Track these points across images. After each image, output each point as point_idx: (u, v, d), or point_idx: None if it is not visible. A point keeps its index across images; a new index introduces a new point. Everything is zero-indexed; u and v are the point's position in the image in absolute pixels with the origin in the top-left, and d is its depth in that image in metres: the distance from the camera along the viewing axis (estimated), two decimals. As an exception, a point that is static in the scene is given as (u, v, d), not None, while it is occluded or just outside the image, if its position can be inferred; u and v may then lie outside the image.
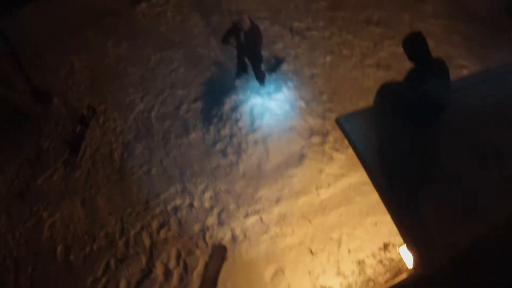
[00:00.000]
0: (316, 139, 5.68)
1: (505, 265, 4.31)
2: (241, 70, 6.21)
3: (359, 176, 5.28)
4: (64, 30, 7.83)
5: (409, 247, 4.79)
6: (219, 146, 5.71)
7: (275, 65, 6.44)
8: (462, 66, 6.84)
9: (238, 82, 6.28)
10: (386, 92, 5.34)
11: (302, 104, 5.96)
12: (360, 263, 4.92)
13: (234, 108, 5.90)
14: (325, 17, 7.39)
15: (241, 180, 5.44)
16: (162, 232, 5.19)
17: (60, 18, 8.10)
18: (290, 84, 6.25)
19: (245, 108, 5.85)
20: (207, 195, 5.39)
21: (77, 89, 6.85)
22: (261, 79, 6.15)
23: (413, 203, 4.81)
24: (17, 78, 6.45)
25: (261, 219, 5.18)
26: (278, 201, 5.26)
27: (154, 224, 5.27)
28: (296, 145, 5.62)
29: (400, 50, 5.03)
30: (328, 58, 6.69)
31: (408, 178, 4.97)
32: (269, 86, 6.15)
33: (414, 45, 5.19)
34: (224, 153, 5.64)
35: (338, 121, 5.33)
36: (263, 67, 6.11)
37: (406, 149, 5.29)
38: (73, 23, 7.94)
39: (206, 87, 6.36)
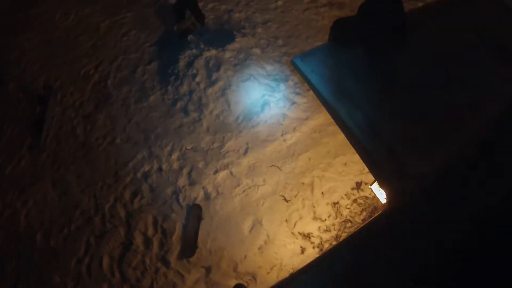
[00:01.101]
0: (276, 85, 5.47)
1: (475, 191, 4.23)
2: (179, 16, 5.98)
3: (324, 117, 5.17)
4: (6, 10, 7.39)
5: (380, 183, 4.70)
6: (179, 105, 5.47)
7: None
8: None
9: (190, 37, 5.98)
10: (340, 27, 5.18)
11: (257, 51, 5.72)
12: (335, 204, 4.83)
13: (189, 64, 5.64)
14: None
15: (206, 136, 5.23)
16: (136, 201, 5.00)
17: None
18: (243, 31, 5.99)
19: (200, 62, 5.58)
20: (174, 156, 5.19)
21: (31, 70, 6.50)
22: (201, 19, 6.00)
23: (378, 135, 4.68)
24: None
25: (231, 173, 5.02)
26: (245, 152, 5.09)
27: (127, 194, 5.06)
28: (256, 93, 5.42)
29: None
30: (279, 2, 6.42)
31: (371, 110, 4.83)
32: (222, 37, 5.84)
33: None
34: (185, 111, 5.41)
35: (293, 62, 5.13)
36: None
37: (365, 79, 5.13)
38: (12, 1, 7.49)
39: (159, 46, 6.08)
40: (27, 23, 7.13)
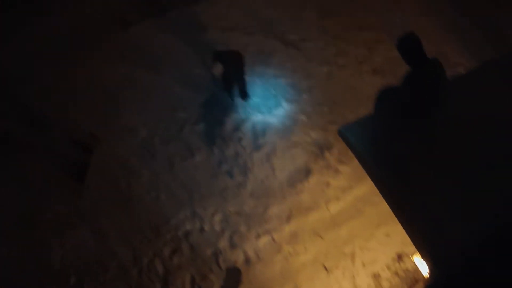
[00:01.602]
0: (320, 153, 5.54)
1: None
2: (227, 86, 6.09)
3: (367, 187, 5.15)
4: (56, 54, 7.64)
5: (423, 255, 4.65)
6: (225, 167, 5.55)
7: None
8: (457, 64, 6.71)
9: (237, 101, 6.08)
10: (385, 96, 5.22)
11: (303, 117, 5.81)
12: (376, 276, 4.82)
13: (236, 127, 5.74)
14: (317, 26, 7.21)
15: (250, 200, 5.29)
16: (175, 258, 5.04)
17: (50, 42, 7.90)
18: (289, 98, 6.09)
19: (247, 126, 5.69)
20: (217, 218, 5.25)
21: (79, 116, 6.63)
22: (244, 96, 6.07)
23: (423, 208, 4.65)
24: (15, 106, 6.26)
25: (273, 238, 5.05)
26: (288, 219, 5.13)
27: (166, 251, 5.11)
28: (301, 160, 5.48)
29: (394, 53, 4.91)
30: (324, 69, 6.51)
31: (416, 183, 4.80)
32: (269, 102, 5.97)
33: (409, 48, 5.08)
34: (230, 174, 5.49)
35: (340, 133, 5.19)
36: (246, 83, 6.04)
37: (411, 152, 5.13)
38: (65, 46, 7.74)
39: (206, 107, 6.19)
40: (77, 68, 7.27)
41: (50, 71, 7.30)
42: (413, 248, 4.57)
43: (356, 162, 5.21)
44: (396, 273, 4.91)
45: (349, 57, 6.67)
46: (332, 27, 7.19)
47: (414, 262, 4.85)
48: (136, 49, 7.37)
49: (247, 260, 4.93)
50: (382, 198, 4.95)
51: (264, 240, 5.03)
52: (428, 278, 4.50)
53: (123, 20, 8.04)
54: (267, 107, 5.91)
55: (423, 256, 4.63)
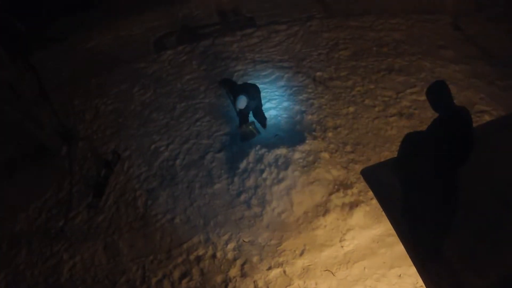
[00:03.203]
0: (340, 191, 5.58)
1: None
2: (243, 119, 6.29)
3: (383, 228, 5.20)
4: (90, 74, 8.00)
5: None
6: (243, 197, 5.63)
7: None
8: (484, 112, 6.77)
9: (262, 133, 6.30)
10: (410, 142, 5.32)
11: (326, 155, 5.87)
12: None
13: (259, 159, 5.81)
14: (347, 66, 7.39)
15: (265, 231, 5.34)
16: (184, 282, 5.11)
17: (84, 62, 8.30)
18: (313, 134, 6.19)
19: (269, 159, 5.75)
20: (231, 246, 5.30)
21: (102, 134, 6.90)
22: (263, 122, 6.37)
23: (438, 254, 4.74)
24: (45, 118, 6.42)
25: (284, 271, 5.06)
26: (301, 253, 5.15)
27: (176, 273, 5.19)
28: (320, 197, 5.52)
29: (422, 98, 5.05)
30: (351, 108, 6.63)
31: (433, 229, 4.91)
32: (294, 137, 6.10)
33: (438, 94, 5.21)
34: (248, 204, 5.56)
35: (363, 173, 5.31)
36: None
37: (431, 199, 5.24)
38: (99, 67, 8.11)
39: (231, 137, 6.35)
40: (103, 89, 7.70)
41: (82, 92, 7.68)
42: (424, 289, 4.59)
43: (374, 202, 5.29)
44: (406, 315, 4.93)
45: (376, 99, 6.77)
46: (361, 68, 7.36)
47: None
48: (168, 74, 7.70)
49: (257, 291, 4.99)
50: (397, 240, 5.01)
51: (275, 273, 5.04)
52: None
53: (156, 48, 8.42)
54: (292, 142, 5.99)
55: None
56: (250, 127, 6.31)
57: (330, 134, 6.25)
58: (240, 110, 5.95)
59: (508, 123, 6.52)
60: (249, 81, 6.50)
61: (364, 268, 5.08)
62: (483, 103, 6.91)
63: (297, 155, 5.79)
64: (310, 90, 6.97)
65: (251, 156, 5.87)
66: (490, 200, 5.38)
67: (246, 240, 5.32)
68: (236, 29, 8.26)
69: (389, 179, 5.37)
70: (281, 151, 5.77)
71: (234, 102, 6.15)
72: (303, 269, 5.09)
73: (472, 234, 5.04)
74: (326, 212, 5.41)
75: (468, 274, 4.67)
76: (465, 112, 5.17)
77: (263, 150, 5.84)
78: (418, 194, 5.25)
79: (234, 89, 6.18)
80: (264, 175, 5.67)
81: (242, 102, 5.71)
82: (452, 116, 5.08)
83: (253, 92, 5.88)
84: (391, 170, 5.49)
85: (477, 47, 8.12)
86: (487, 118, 6.65)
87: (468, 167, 5.52)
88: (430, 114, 5.20)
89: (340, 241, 5.23)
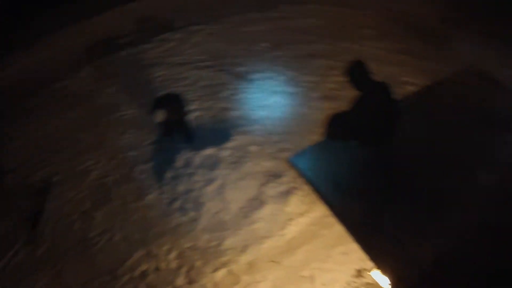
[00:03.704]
0: (272, 181, 5.55)
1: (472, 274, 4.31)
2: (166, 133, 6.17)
3: (321, 210, 5.19)
4: (8, 100, 7.70)
5: (383, 271, 4.77)
6: (177, 204, 5.50)
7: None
8: (407, 83, 6.93)
9: (187, 137, 6.19)
10: (335, 123, 5.41)
11: (254, 148, 5.82)
12: None
13: (187, 163, 5.71)
14: (269, 57, 7.39)
15: (204, 234, 5.22)
16: (133, 301, 4.90)
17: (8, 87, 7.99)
18: (239, 129, 6.14)
19: (197, 161, 5.66)
20: (173, 255, 5.15)
21: (30, 162, 6.58)
22: (189, 139, 6.20)
23: (378, 225, 4.82)
24: None
25: (230, 270, 4.96)
26: (244, 249, 5.06)
27: (124, 293, 5.01)
28: (254, 190, 5.46)
29: (345, 79, 5.15)
30: (275, 98, 6.62)
31: (368, 201, 5.00)
32: (219, 135, 6.03)
33: (358, 73, 5.38)
34: (183, 210, 5.43)
35: (291, 162, 5.34)
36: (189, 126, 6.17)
37: (362, 172, 5.36)
38: (17, 92, 7.81)
39: (157, 145, 6.22)
40: (29, 114, 7.36)
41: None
42: (371, 263, 4.71)
43: (307, 187, 5.35)
44: (358, 289, 4.97)
45: (300, 85, 6.80)
46: (282, 58, 7.39)
47: (372, 277, 4.94)
48: (89, 90, 7.49)
49: (206, 295, 4.89)
50: (335, 220, 5.08)
51: (221, 273, 4.94)
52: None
53: (75, 64, 8.18)
54: (218, 140, 5.93)
55: (384, 272, 4.75)
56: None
57: (256, 127, 6.21)
58: (161, 123, 5.82)
59: (433, 92, 6.74)
60: (171, 86, 6.44)
61: (308, 252, 5.06)
62: (407, 76, 7.09)
63: (225, 153, 5.73)
64: (232, 86, 6.91)
65: (179, 162, 5.76)
66: (426, 168, 5.53)
67: (187, 246, 5.21)
68: (153, 35, 8.13)
69: (318, 163, 5.44)
70: (209, 151, 5.70)
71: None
72: (248, 264, 5.02)
73: (411, 203, 5.16)
74: (261, 204, 5.35)
75: (411, 243, 4.77)
76: (385, 86, 5.31)
77: (191, 154, 5.76)
78: (349, 173, 5.33)
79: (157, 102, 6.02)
80: (194, 178, 5.56)
81: (159, 115, 5.57)
82: (373, 92, 5.20)
83: (173, 103, 5.77)
84: (319, 153, 5.56)
85: (397, 24, 8.32)
86: (411, 88, 6.87)
87: (398, 138, 5.67)
88: (353, 94, 5.28)
89: (280, 230, 5.17)
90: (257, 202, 5.37)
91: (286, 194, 5.41)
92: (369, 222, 4.86)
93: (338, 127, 5.41)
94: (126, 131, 6.57)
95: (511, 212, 4.88)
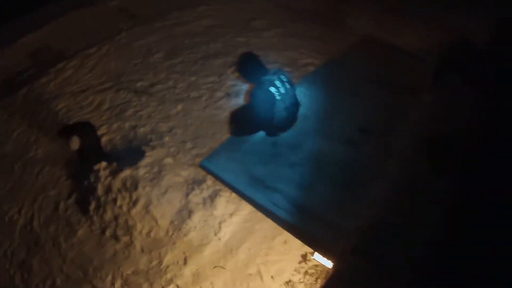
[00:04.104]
0: (195, 188, 5.33)
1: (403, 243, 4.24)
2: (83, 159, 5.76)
3: (250, 206, 5.07)
4: None
5: (320, 253, 4.69)
6: (108, 232, 5.23)
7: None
8: (307, 64, 6.98)
9: (103, 164, 5.69)
10: (235, 117, 5.64)
11: (169, 160, 5.62)
12: (289, 283, 4.81)
13: (107, 189, 5.40)
14: (164, 67, 7.17)
15: (143, 256, 5.04)
16: None
17: None
18: (151, 144, 5.88)
19: (117, 185, 5.37)
20: (117, 284, 4.92)
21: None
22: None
23: (301, 209, 4.68)
24: None
25: (177, 286, 4.82)
26: (185, 262, 4.94)
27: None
28: (179, 202, 5.26)
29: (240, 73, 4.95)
30: (179, 107, 6.42)
31: (286, 188, 4.84)
32: (132, 155, 5.67)
33: (246, 67, 5.22)
34: (115, 237, 5.19)
35: (202, 166, 5.13)
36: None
37: (272, 161, 5.20)
38: None
39: (75, 178, 5.83)
40: None
41: None
42: (309, 246, 4.68)
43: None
44: (306, 273, 4.90)
45: (201, 88, 6.67)
46: (179, 65, 7.16)
47: (316, 260, 4.86)
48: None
49: (157, 316, 4.71)
50: (264, 213, 4.89)
51: None
52: (333, 268, 4.50)
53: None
54: (132, 160, 5.60)
55: (321, 254, 4.68)
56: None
57: (167, 139, 5.99)
58: (77, 151, 5.41)
59: (331, 67, 6.68)
60: (76, 115, 6.05)
61: (249, 249, 5.00)
62: (304, 57, 7.21)
63: (142, 171, 5.49)
64: (135, 103, 6.63)
65: (100, 190, 5.42)
66: (336, 146, 5.45)
67: (129, 272, 4.97)
68: (49, 67, 7.53)
69: (228, 163, 5.36)
70: (125, 173, 5.41)
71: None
72: (193, 275, 4.89)
73: (327, 180, 5.05)
74: (190, 213, 5.21)
75: (339, 219, 4.62)
76: (278, 74, 5.17)
77: (108, 180, 5.35)
78: (262, 164, 5.19)
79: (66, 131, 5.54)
80: (118, 203, 5.31)
81: (74, 142, 5.21)
82: (265, 83, 5.05)
83: (83, 130, 5.41)
84: (228, 151, 5.39)
85: (286, 9, 8.30)
86: (311, 69, 6.87)
87: (304, 122, 5.55)
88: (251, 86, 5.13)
89: (215, 234, 5.11)
90: (185, 213, 5.23)
91: (212, 198, 5.33)
92: (293, 209, 4.69)
93: (240, 122, 5.34)
94: (41, 171, 6.13)
95: (424, 176, 4.86)
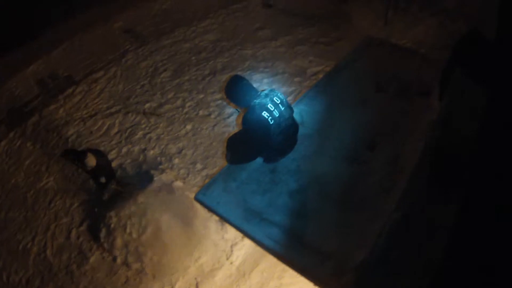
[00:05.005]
0: (204, 212, 5.27)
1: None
2: (99, 185, 5.73)
3: None
4: None
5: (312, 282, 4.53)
6: (119, 259, 5.20)
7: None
8: (317, 73, 6.89)
9: (110, 190, 5.77)
10: (233, 143, 5.17)
11: (179, 183, 5.56)
12: None
13: (117, 216, 5.36)
14: (172, 86, 7.16)
15: (154, 282, 4.99)
16: None
17: None
18: (160, 167, 5.87)
19: (126, 212, 5.32)
20: None
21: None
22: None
23: (300, 242, 4.63)
24: None
25: None
26: (198, 287, 4.89)
27: None
28: (190, 225, 5.19)
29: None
30: (188, 126, 6.41)
31: (285, 220, 4.81)
32: (141, 180, 5.69)
33: (234, 92, 5.15)
34: (127, 264, 5.15)
35: (197, 200, 5.14)
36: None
37: (270, 191, 5.03)
38: None
39: (86, 204, 5.87)
40: None
41: None
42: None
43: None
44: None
45: (210, 106, 6.63)
46: (187, 83, 7.14)
47: None
48: (7, 168, 6.91)
49: None
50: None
51: None
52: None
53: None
54: (142, 185, 5.59)
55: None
56: (113, 186, 5.76)
57: (176, 161, 5.98)
58: (92, 170, 5.32)
59: (333, 77, 6.57)
60: (86, 141, 6.09)
61: (262, 272, 4.93)
62: (314, 65, 7.10)
63: (150, 196, 5.39)
64: (144, 125, 6.64)
65: (111, 215, 5.39)
66: (340, 166, 5.21)
67: None
68: (58, 93, 7.64)
69: (224, 194, 5.16)
70: (136, 199, 5.34)
71: (81, 165, 5.45)
72: None
73: (333, 208, 4.86)
74: (201, 238, 5.12)
75: (341, 252, 4.48)
76: (271, 96, 4.96)
77: (118, 207, 5.38)
78: (256, 194, 5.08)
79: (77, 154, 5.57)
80: (127, 230, 5.24)
81: (90, 159, 5.11)
82: (256, 107, 4.82)
83: (97, 153, 5.38)
84: (224, 181, 5.28)
85: (293, 16, 8.27)
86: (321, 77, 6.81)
87: (306, 143, 5.35)
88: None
89: (227, 258, 5.02)
90: (196, 237, 5.14)
91: (223, 221, 5.17)
92: (292, 243, 4.57)
93: (236, 149, 5.10)
94: (53, 199, 6.17)
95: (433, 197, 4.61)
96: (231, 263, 4.97)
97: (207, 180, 5.55)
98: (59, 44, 8.63)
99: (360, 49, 7.16)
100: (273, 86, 6.67)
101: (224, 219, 4.97)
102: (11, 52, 8.54)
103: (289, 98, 6.46)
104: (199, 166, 5.81)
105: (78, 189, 6.14)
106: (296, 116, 5.41)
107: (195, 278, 4.93)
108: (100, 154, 5.47)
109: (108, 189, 5.79)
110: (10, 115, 7.73)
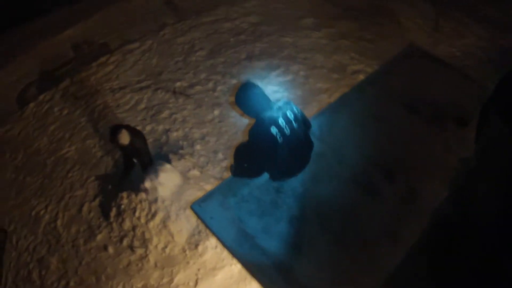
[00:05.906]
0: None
1: None
2: (127, 165, 5.66)
3: None
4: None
5: None
6: (125, 242, 5.15)
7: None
8: (357, 72, 6.59)
9: (131, 172, 5.72)
10: (240, 154, 5.13)
11: (196, 172, 5.44)
12: None
13: (129, 197, 5.31)
14: (206, 66, 7.00)
15: (155, 271, 4.91)
16: None
17: None
18: (180, 152, 5.75)
19: (138, 196, 5.25)
20: None
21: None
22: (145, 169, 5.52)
23: (291, 277, 4.37)
24: None
25: None
26: (196, 283, 4.77)
27: None
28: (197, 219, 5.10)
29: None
30: (216, 112, 6.26)
31: (279, 249, 4.59)
32: (158, 163, 5.51)
33: (245, 100, 4.73)
34: (131, 248, 5.10)
35: (192, 209, 4.97)
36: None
37: (269, 212, 4.89)
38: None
39: (102, 180, 5.86)
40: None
41: None
42: None
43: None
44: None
45: None
46: (220, 65, 7.00)
47: None
48: (34, 129, 7.00)
49: (161, 336, 4.57)
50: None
51: None
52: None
53: (22, 98, 7.70)
54: (156, 169, 5.40)
55: None
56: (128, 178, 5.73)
57: (198, 147, 5.85)
58: (125, 148, 5.09)
59: (361, 89, 6.19)
60: (110, 114, 6.10)
61: None
62: (355, 63, 6.82)
63: (164, 182, 5.29)
64: (171, 105, 6.53)
65: (123, 196, 5.35)
66: (350, 194, 4.97)
67: (139, 285, 4.89)
68: (91, 60, 7.65)
69: (219, 210, 4.95)
70: (147, 184, 5.24)
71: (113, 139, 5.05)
72: None
73: (334, 244, 4.58)
74: (208, 233, 4.98)
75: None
76: (284, 109, 4.53)
77: (132, 188, 5.35)
78: (253, 215, 4.86)
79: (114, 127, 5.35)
80: (136, 214, 5.17)
81: (124, 136, 4.82)
82: (265, 121, 4.41)
83: (136, 133, 5.20)
84: (223, 195, 5.09)
85: (338, 7, 8.00)
86: (361, 77, 6.51)
87: (319, 162, 5.10)
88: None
89: (231, 258, 4.84)
90: (203, 231, 4.97)
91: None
92: (282, 276, 4.34)
93: (242, 161, 4.94)
94: (71, 169, 6.20)
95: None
96: (235, 264, 4.80)
97: (225, 173, 5.39)
98: (97, 10, 8.61)
99: (399, 60, 6.63)
100: (309, 80, 6.47)
101: (215, 235, 4.76)
102: (48, 14, 8.61)
103: (322, 97, 6.21)
104: (220, 156, 5.66)
105: (98, 163, 6.12)
106: (314, 128, 5.10)
107: (196, 274, 4.82)
108: (138, 135, 5.28)
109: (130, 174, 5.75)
110: (41, 78, 7.82)
